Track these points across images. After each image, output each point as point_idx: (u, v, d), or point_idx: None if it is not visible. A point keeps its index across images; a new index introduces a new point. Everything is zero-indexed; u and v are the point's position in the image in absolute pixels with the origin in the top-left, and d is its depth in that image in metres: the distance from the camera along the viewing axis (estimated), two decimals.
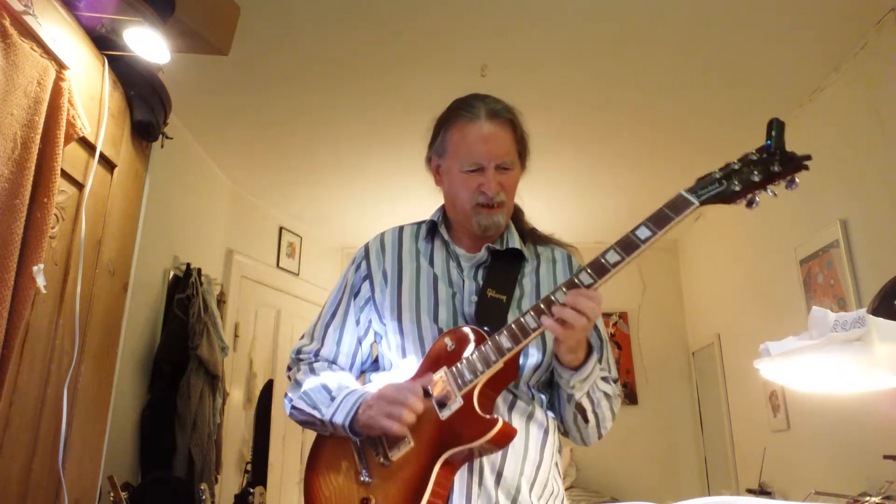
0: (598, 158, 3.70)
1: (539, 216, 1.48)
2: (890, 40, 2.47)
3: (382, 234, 1.42)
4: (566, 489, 4.37)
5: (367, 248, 1.41)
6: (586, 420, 1.24)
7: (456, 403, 1.14)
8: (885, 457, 2.12)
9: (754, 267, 3.69)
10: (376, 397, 1.17)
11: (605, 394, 1.25)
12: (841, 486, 2.52)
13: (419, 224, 1.43)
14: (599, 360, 1.26)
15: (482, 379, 1.14)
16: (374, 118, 3.28)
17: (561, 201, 4.19)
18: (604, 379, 1.25)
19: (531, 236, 1.41)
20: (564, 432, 1.31)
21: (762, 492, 3.22)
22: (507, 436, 1.12)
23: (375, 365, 1.38)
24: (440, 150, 1.33)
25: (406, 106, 3.13)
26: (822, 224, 2.88)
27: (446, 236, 1.36)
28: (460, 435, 1.12)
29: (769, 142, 1.05)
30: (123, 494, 2.12)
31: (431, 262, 1.34)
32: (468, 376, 1.15)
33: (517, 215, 1.41)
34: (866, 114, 2.63)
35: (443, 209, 1.41)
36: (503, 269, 1.31)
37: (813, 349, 1.21)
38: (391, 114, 3.22)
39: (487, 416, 1.12)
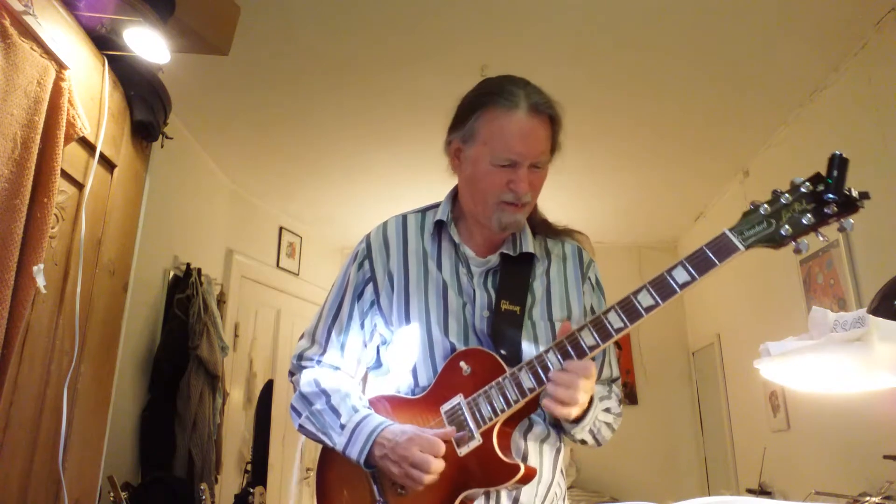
0: (597, 159, 3.70)
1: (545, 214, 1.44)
2: (890, 40, 2.47)
3: (385, 226, 1.34)
4: (566, 489, 4.37)
5: (368, 244, 1.32)
6: (585, 443, 1.23)
7: (475, 441, 1.10)
8: (885, 457, 2.12)
9: (754, 267, 3.69)
10: (399, 455, 1.09)
11: (607, 423, 1.22)
12: (841, 486, 2.51)
13: (423, 214, 1.34)
14: (608, 382, 1.20)
15: (502, 418, 1.10)
16: (375, 118, 3.27)
17: (560, 201, 4.19)
18: (606, 409, 1.20)
19: (542, 228, 1.33)
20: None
21: (762, 492, 3.22)
22: (528, 479, 1.10)
23: (379, 361, 1.32)
24: (467, 135, 1.21)
25: (406, 106, 3.13)
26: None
27: (456, 238, 1.28)
28: (479, 476, 1.09)
29: (829, 179, 0.95)
30: (123, 494, 2.12)
31: (439, 267, 1.26)
32: (487, 414, 1.10)
33: None
34: (866, 114, 2.63)
35: (451, 199, 1.32)
36: (515, 273, 1.24)
37: (813, 349, 1.21)
38: (391, 113, 3.21)
39: (509, 461, 1.09)
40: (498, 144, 1.16)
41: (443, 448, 1.09)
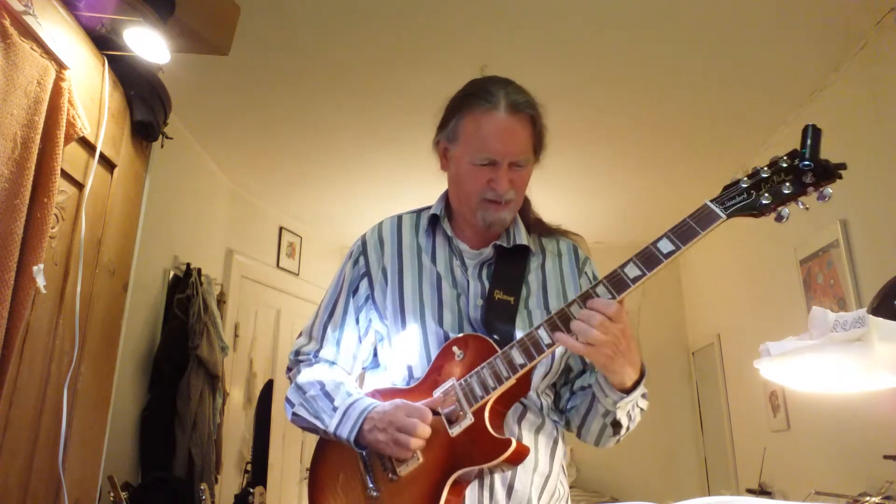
0: (597, 159, 3.70)
1: (539, 214, 1.45)
2: (890, 40, 2.47)
3: (380, 226, 1.36)
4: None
5: (364, 242, 1.34)
6: (616, 433, 1.21)
7: (466, 420, 1.10)
8: (885, 457, 2.12)
9: (754, 267, 3.69)
10: (386, 421, 1.10)
11: (641, 409, 1.21)
12: (841, 486, 2.51)
13: (418, 213, 1.36)
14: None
15: (493, 396, 1.10)
16: (374, 118, 3.27)
17: (560, 201, 4.19)
18: (643, 395, 1.19)
19: (536, 227, 1.34)
20: (578, 434, 1.27)
21: (762, 492, 3.22)
22: (520, 455, 1.09)
23: (376, 361, 1.33)
24: (451, 135, 1.24)
25: (406, 106, 3.13)
26: (822, 224, 2.88)
27: (449, 231, 1.29)
28: (471, 454, 1.09)
29: (804, 150, 0.98)
30: (123, 494, 2.12)
31: (434, 260, 1.28)
32: (479, 392, 1.10)
33: (524, 205, 1.33)
34: (866, 114, 2.63)
35: (445, 197, 1.34)
36: (509, 266, 1.25)
37: (813, 349, 1.21)
38: (391, 113, 3.22)
39: (500, 437, 1.09)
40: (477, 144, 1.19)
41: (429, 414, 1.10)
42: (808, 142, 0.98)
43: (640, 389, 1.15)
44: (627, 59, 2.79)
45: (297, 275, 4.56)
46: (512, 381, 1.10)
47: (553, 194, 4.05)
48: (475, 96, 1.21)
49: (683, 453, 4.64)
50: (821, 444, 2.96)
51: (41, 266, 1.39)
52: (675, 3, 2.46)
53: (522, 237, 1.28)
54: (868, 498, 2.09)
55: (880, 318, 1.13)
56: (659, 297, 4.85)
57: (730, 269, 4.03)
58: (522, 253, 1.28)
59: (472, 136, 1.20)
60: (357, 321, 1.31)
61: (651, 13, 2.51)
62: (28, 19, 1.37)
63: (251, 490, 3.12)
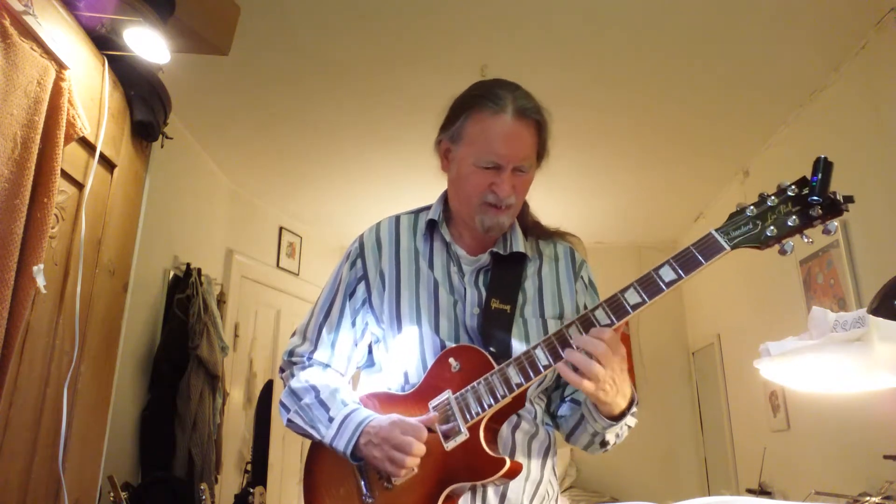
0: (597, 159, 3.70)
1: (538, 216, 1.45)
2: (890, 40, 2.47)
3: (378, 227, 1.34)
4: (566, 489, 4.37)
5: (361, 244, 1.33)
6: (603, 447, 1.21)
7: (461, 436, 1.10)
8: (885, 457, 2.12)
9: (754, 267, 3.69)
10: (381, 437, 1.10)
11: (630, 426, 1.21)
12: (841, 486, 2.52)
13: (416, 215, 1.35)
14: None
15: (489, 413, 1.10)
16: (375, 118, 3.28)
17: (560, 202, 4.19)
18: (632, 414, 1.17)
19: (534, 230, 1.34)
20: (567, 440, 1.28)
21: (762, 492, 3.22)
22: (513, 473, 1.09)
23: (371, 360, 1.33)
24: (455, 135, 1.22)
25: (406, 106, 3.13)
26: None
27: (447, 237, 1.28)
28: (465, 470, 1.09)
29: (814, 182, 0.97)
30: (123, 494, 2.12)
31: (431, 265, 1.27)
32: (474, 408, 1.10)
33: (522, 208, 1.31)
34: (866, 114, 2.63)
35: (444, 199, 1.33)
36: (506, 272, 1.25)
37: (813, 349, 1.21)
38: (391, 114, 3.22)
39: (494, 455, 1.09)
40: (482, 146, 1.18)
41: (425, 432, 1.10)
42: (819, 175, 0.97)
43: (628, 416, 1.15)
44: (627, 59, 2.79)
45: (297, 275, 4.56)
46: (508, 399, 1.10)
47: (553, 194, 4.05)
48: (483, 98, 1.20)
49: (683, 453, 4.64)
50: (821, 444, 2.96)
51: (41, 266, 1.39)
52: (675, 4, 2.46)
53: (519, 244, 1.28)
54: (868, 498, 2.09)
55: (880, 318, 1.13)
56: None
57: (730, 269, 4.03)
58: (519, 259, 1.28)
59: (478, 137, 1.18)
60: (353, 324, 1.30)
61: (651, 13, 2.52)
62: (28, 19, 1.37)
63: (251, 490, 3.12)
